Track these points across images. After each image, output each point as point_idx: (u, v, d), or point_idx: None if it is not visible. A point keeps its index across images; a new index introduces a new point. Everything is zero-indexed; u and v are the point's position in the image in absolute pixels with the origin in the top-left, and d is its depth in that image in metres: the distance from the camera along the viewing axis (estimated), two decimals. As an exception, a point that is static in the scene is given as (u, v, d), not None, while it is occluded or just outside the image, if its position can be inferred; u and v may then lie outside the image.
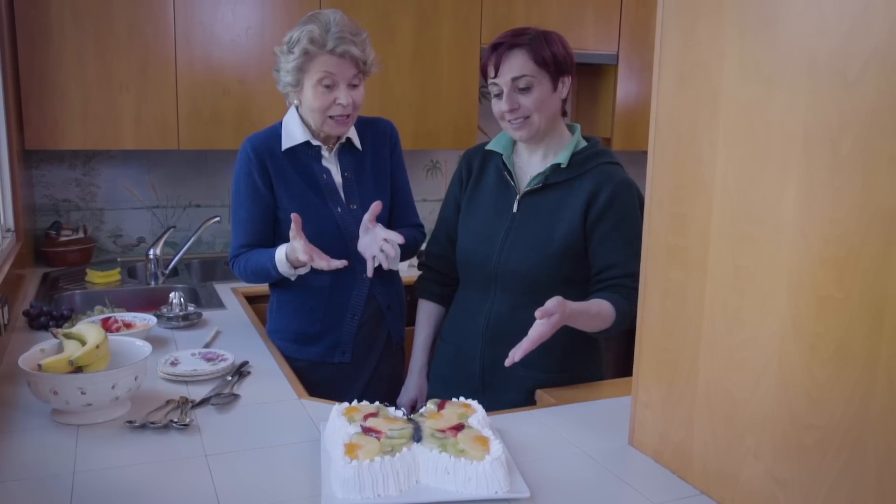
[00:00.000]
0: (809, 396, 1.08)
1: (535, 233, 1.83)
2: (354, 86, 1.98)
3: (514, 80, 1.77)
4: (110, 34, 2.85)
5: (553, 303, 1.59)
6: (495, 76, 1.79)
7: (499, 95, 1.81)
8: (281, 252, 1.97)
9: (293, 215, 1.86)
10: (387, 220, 2.16)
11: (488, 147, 1.95)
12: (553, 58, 1.78)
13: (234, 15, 3.01)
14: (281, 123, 2.10)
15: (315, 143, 2.07)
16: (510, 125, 1.82)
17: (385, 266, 1.93)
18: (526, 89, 1.78)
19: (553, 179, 1.84)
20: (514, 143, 1.94)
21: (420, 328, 2.09)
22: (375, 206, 1.92)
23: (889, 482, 0.98)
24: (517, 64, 1.77)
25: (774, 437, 1.14)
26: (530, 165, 1.90)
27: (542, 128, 1.82)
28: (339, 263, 1.88)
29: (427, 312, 2.10)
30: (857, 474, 1.02)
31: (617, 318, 1.75)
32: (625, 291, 1.75)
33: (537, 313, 1.57)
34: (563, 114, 1.90)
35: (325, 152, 2.09)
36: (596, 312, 1.72)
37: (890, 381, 0.96)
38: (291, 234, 1.87)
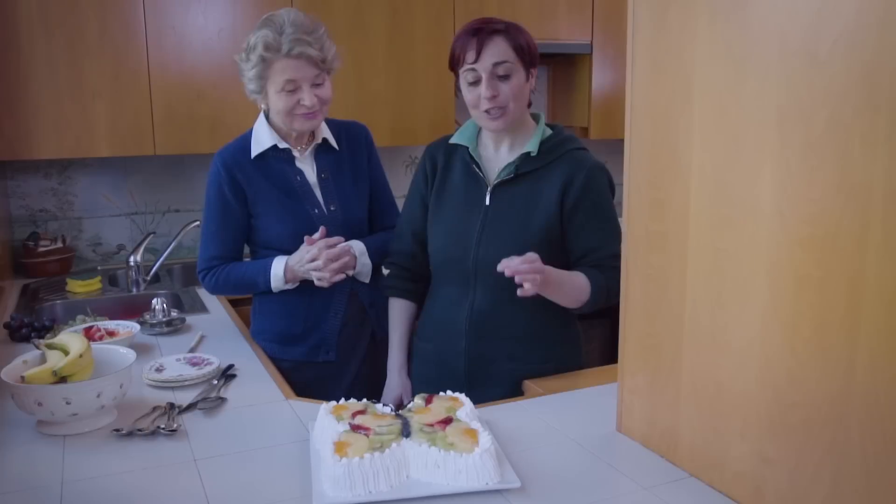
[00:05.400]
0: (792, 375, 1.09)
1: (511, 224, 1.83)
2: (318, 84, 1.98)
3: (495, 65, 1.76)
4: (81, 41, 2.82)
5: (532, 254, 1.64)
6: (475, 61, 1.77)
7: (475, 83, 1.79)
8: (279, 268, 2.01)
9: (321, 228, 1.97)
10: (366, 221, 2.19)
11: (452, 140, 1.93)
12: (528, 47, 1.79)
13: (205, 17, 2.99)
14: (252, 131, 2.10)
15: (283, 145, 2.06)
16: (487, 115, 1.80)
17: (323, 284, 1.98)
18: (505, 76, 1.77)
19: (524, 169, 1.83)
20: (478, 135, 1.93)
21: (394, 326, 2.05)
22: (321, 234, 1.97)
23: (874, 457, 0.99)
24: (499, 50, 1.76)
25: (760, 418, 1.15)
26: (498, 157, 1.89)
27: (516, 118, 1.82)
28: (339, 277, 1.98)
29: (399, 310, 2.05)
30: (842, 450, 1.03)
31: (592, 290, 1.76)
32: (605, 270, 1.77)
33: (517, 262, 1.61)
34: (528, 104, 1.89)
35: (297, 153, 2.09)
36: (568, 279, 1.75)
37: (870, 356, 0.97)
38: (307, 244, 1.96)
